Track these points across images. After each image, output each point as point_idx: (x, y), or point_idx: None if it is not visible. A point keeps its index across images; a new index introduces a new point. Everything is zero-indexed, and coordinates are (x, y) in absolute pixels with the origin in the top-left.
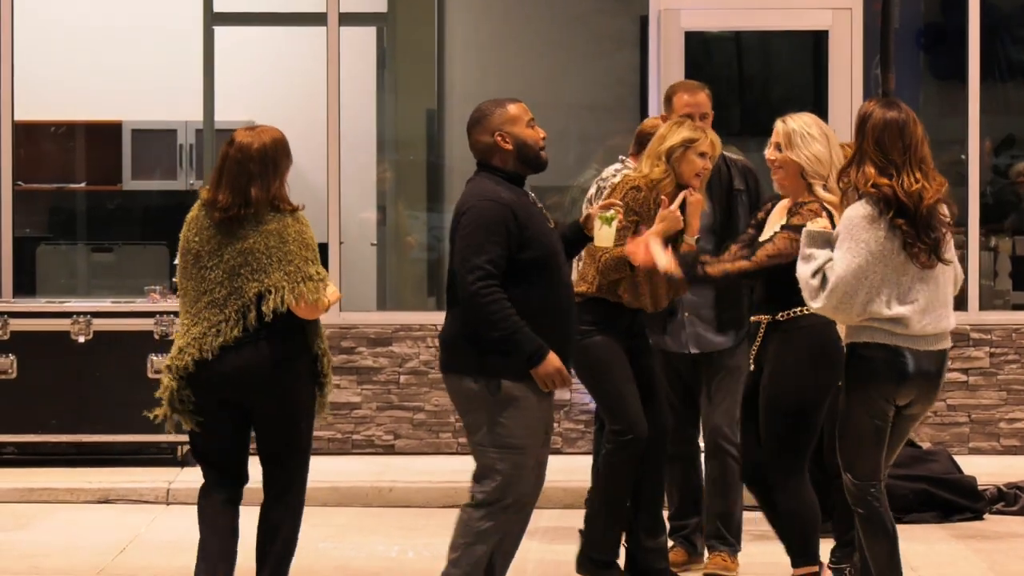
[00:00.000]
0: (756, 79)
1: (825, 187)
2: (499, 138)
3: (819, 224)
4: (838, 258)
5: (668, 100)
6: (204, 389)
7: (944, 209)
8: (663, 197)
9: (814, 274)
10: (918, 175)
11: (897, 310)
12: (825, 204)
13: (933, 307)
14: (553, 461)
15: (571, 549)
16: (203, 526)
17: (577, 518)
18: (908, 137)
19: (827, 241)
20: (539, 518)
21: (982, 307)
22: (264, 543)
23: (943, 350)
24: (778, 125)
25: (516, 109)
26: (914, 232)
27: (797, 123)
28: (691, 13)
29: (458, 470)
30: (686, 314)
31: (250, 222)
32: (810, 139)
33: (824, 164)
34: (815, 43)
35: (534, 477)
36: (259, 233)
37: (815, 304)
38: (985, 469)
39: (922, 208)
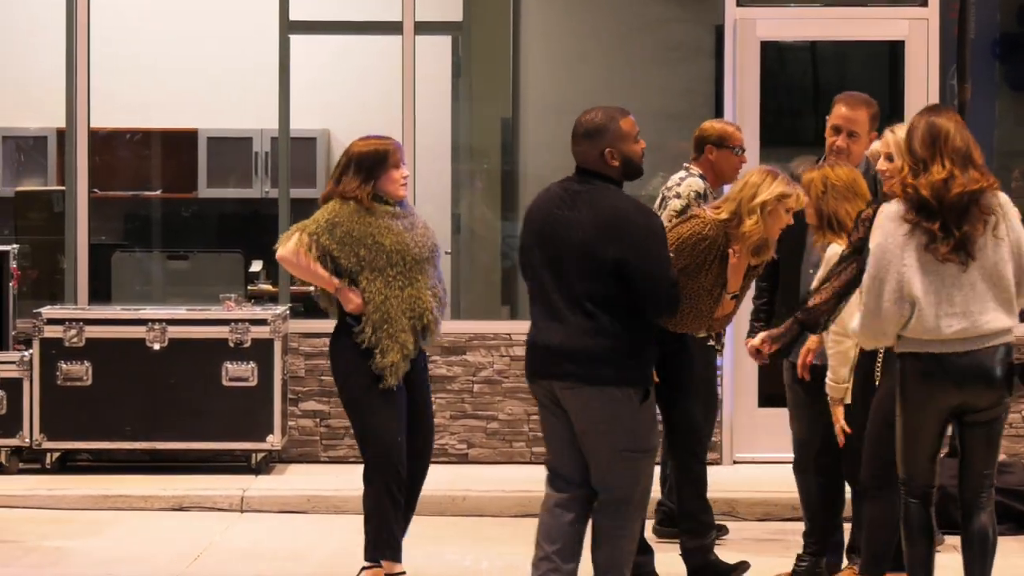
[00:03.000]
0: (831, 89)
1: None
2: (608, 155)
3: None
4: (869, 250)
5: (832, 106)
6: None
7: (990, 201)
8: (733, 247)
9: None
10: (947, 164)
11: (926, 313)
12: None
13: (980, 308)
14: None
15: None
16: None
17: None
18: (937, 131)
19: None
20: None
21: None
22: None
23: (991, 347)
24: (887, 135)
25: (627, 125)
26: (938, 225)
27: (905, 132)
28: (767, 23)
29: (531, 479)
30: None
31: None
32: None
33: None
34: (891, 53)
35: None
36: None
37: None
38: None
39: (949, 198)
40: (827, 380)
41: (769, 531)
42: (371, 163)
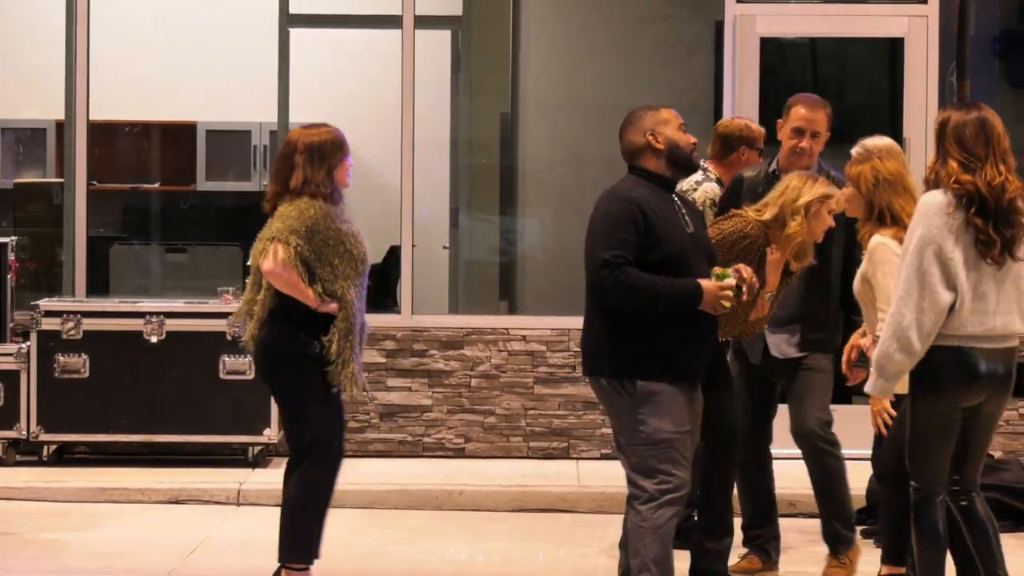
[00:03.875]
0: (831, 86)
1: None
2: (650, 138)
3: None
4: (901, 268)
5: (787, 109)
6: None
7: (1021, 205)
8: (772, 246)
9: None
10: (1002, 168)
11: (964, 307)
12: None
13: (1007, 308)
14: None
15: None
16: None
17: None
18: (990, 130)
19: None
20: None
21: None
22: None
23: (1010, 348)
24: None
25: (668, 113)
26: (991, 226)
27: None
28: (767, 19)
29: (528, 474)
30: (766, 328)
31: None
32: None
33: None
34: (891, 50)
35: (689, 467)
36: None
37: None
38: None
39: (1003, 201)
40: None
41: None
42: (330, 152)
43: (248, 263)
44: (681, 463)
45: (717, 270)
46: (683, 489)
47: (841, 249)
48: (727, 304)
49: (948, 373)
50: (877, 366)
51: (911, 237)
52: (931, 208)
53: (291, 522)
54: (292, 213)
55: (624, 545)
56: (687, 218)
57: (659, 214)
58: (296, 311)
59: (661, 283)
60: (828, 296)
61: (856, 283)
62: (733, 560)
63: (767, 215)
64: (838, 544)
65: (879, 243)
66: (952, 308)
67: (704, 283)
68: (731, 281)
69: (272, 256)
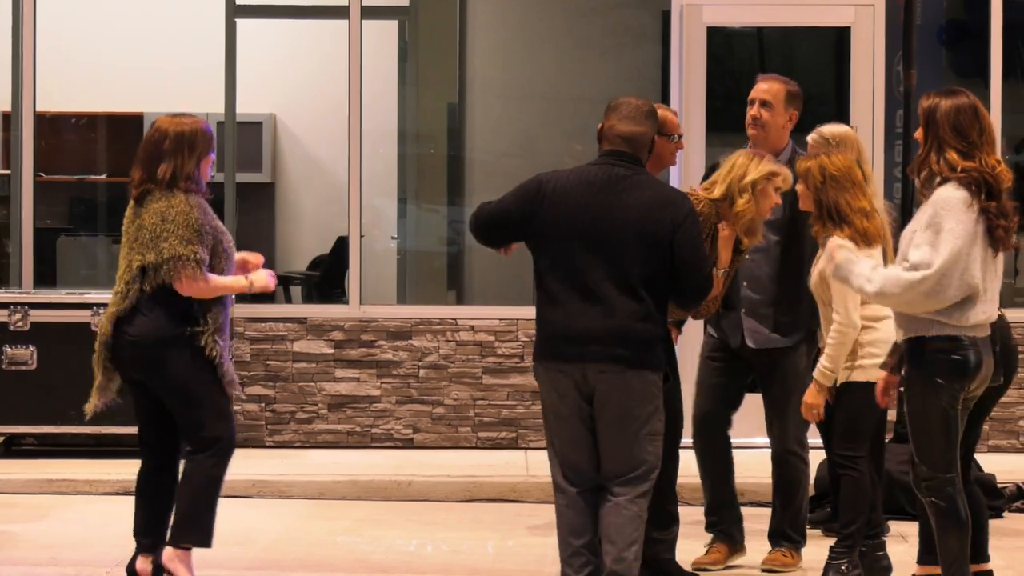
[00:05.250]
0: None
1: None
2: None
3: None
4: (943, 240)
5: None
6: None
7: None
8: (723, 223)
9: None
10: (997, 156)
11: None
12: None
13: (995, 295)
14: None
15: None
16: None
17: None
18: (982, 119)
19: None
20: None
21: (1002, 305)
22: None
23: (992, 332)
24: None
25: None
26: (1000, 213)
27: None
28: (713, 8)
29: (477, 464)
30: (743, 311)
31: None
32: None
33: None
34: (837, 39)
35: None
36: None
37: (902, 291)
38: (1004, 467)
39: (1002, 189)
40: (822, 367)
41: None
42: (200, 144)
43: (142, 263)
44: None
45: None
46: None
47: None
48: None
49: (951, 362)
50: (860, 270)
51: (943, 232)
52: (953, 204)
53: (200, 500)
54: (178, 218)
55: (588, 540)
56: None
57: None
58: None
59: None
60: (800, 277)
61: (813, 279)
62: (699, 551)
63: (716, 193)
64: (784, 541)
65: (838, 245)
66: (965, 301)
67: None
68: None
69: (186, 281)
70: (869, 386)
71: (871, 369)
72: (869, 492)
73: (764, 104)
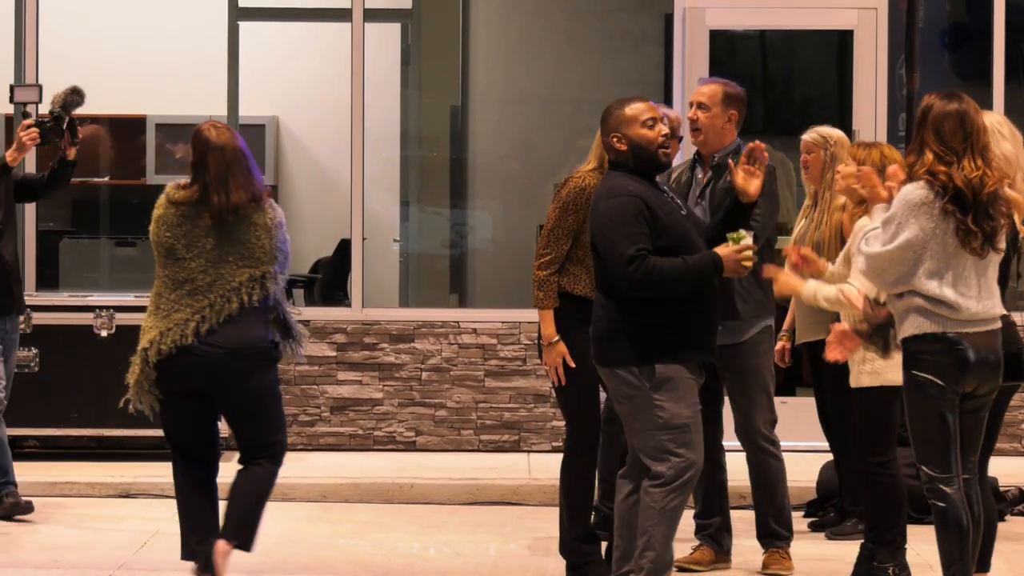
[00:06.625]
0: (780, 78)
1: (1011, 186)
2: (614, 139)
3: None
4: (888, 231)
5: None
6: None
7: (1006, 195)
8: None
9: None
10: (979, 162)
11: (946, 292)
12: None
13: (988, 294)
14: None
15: None
16: None
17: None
18: (969, 125)
19: None
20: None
21: (1005, 308)
22: None
23: (995, 330)
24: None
25: (632, 110)
26: (969, 219)
27: (988, 120)
28: (716, 11)
29: (479, 467)
30: None
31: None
32: (1000, 137)
33: (1012, 164)
34: (840, 42)
35: (702, 450)
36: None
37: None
38: (1006, 470)
39: (982, 195)
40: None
41: None
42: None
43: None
44: (695, 446)
45: (731, 234)
46: (696, 470)
47: (774, 211)
48: (748, 264)
49: (942, 362)
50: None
51: (894, 227)
52: (910, 200)
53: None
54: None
55: (603, 527)
56: (676, 200)
57: (656, 203)
58: None
59: (682, 264)
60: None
61: (838, 263)
62: (685, 552)
63: (592, 163)
64: (776, 540)
65: (862, 225)
66: (937, 299)
67: (720, 251)
68: (748, 240)
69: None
70: (883, 390)
71: (883, 373)
72: (905, 494)
73: (700, 106)
